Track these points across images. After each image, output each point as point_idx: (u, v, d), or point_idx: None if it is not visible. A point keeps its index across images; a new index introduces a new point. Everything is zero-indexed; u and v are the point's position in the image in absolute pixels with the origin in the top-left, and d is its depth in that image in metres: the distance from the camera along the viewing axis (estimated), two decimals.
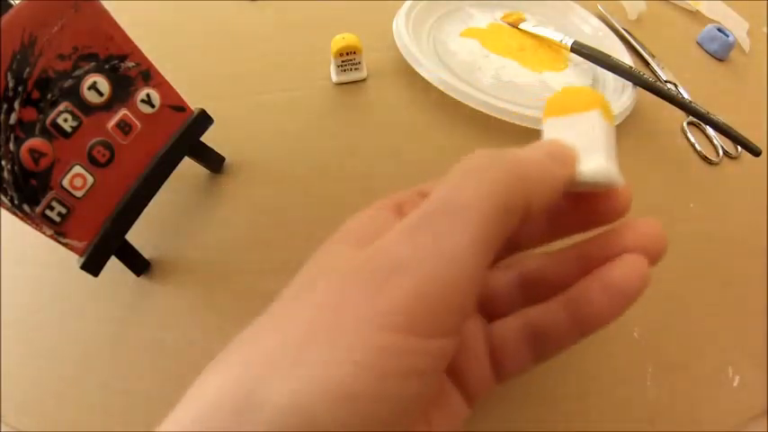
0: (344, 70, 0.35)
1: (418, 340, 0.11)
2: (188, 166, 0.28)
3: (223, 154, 0.31)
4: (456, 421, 0.15)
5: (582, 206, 0.16)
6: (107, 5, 0.23)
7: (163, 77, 0.26)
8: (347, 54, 0.35)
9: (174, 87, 0.26)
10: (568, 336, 0.15)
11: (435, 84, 0.33)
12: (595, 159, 0.15)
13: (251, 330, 0.13)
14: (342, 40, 0.34)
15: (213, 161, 0.31)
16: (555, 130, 0.16)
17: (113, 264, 0.25)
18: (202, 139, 0.29)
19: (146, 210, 0.26)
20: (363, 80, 0.36)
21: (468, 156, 0.14)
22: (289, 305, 0.13)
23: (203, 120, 0.28)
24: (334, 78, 0.36)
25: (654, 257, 0.15)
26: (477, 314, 0.17)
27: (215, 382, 0.11)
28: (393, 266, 0.11)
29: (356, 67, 0.35)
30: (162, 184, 0.27)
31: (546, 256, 0.17)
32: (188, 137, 0.27)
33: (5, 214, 0.21)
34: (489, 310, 0.17)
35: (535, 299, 0.16)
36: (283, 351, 0.11)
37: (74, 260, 0.24)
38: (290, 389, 0.10)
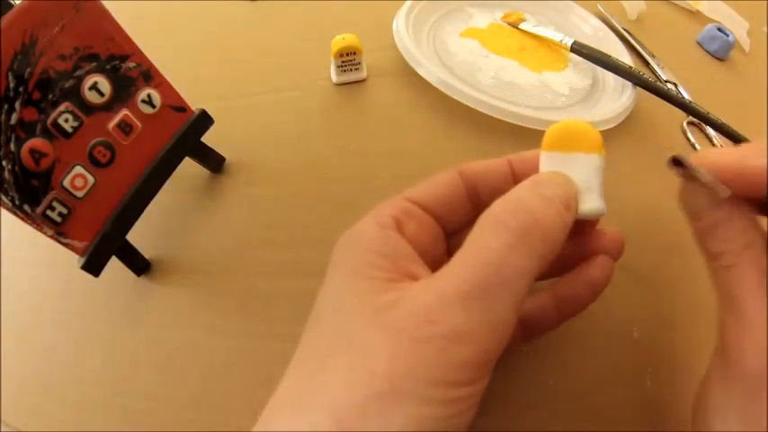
0: (344, 70, 0.35)
1: (477, 385, 0.15)
2: (188, 166, 0.28)
3: (223, 154, 0.31)
4: None
5: None
6: (108, 5, 0.23)
7: (163, 78, 0.26)
8: (347, 54, 0.35)
9: (175, 87, 0.26)
10: (554, 319, 0.20)
11: (435, 84, 0.33)
12: (592, 200, 0.18)
13: (313, 377, 0.15)
14: (342, 40, 0.34)
15: (213, 161, 0.31)
16: (555, 164, 0.18)
17: (113, 264, 0.25)
18: (202, 139, 0.29)
19: (146, 210, 0.26)
20: (363, 80, 0.36)
21: (504, 216, 0.16)
22: (350, 363, 0.15)
23: (204, 120, 0.28)
24: (335, 79, 0.36)
25: (616, 257, 0.20)
26: None
27: (310, 420, 0.14)
28: (453, 336, 0.14)
29: (356, 67, 0.35)
30: (162, 184, 0.27)
31: None
32: (188, 137, 0.27)
33: (5, 214, 0.21)
34: None
35: None
36: (371, 404, 0.14)
37: (74, 260, 0.24)
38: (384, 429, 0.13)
